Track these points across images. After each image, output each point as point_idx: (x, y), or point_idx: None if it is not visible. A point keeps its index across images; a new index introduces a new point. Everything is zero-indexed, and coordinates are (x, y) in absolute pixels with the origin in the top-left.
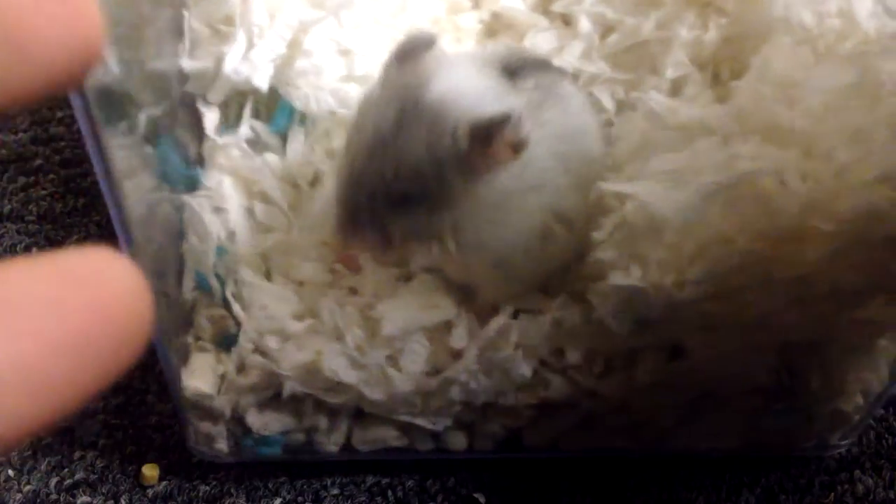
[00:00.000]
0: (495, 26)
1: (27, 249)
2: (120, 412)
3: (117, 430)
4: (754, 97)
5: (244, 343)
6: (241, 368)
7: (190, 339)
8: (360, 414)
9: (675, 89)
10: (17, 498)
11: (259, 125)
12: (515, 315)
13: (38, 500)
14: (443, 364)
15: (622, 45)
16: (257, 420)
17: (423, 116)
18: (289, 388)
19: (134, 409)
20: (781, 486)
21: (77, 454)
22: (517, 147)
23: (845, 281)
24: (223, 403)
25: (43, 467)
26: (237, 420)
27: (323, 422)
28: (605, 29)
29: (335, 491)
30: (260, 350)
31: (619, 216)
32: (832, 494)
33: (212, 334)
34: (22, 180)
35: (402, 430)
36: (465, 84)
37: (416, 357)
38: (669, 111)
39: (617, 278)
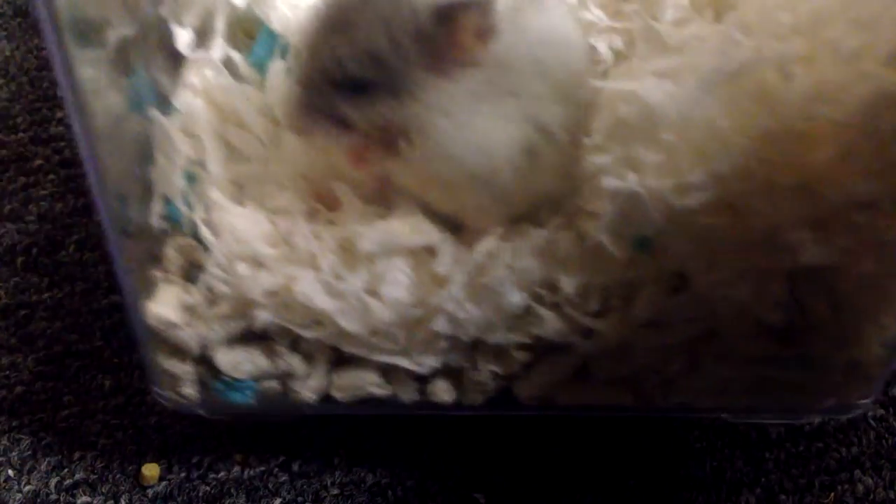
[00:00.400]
0: None
1: (27, 249)
2: (120, 412)
3: (117, 430)
4: (757, 8)
5: (213, 269)
6: (211, 299)
7: (157, 274)
8: (340, 360)
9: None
10: (17, 498)
11: (237, 56)
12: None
13: (38, 500)
14: (427, 295)
15: None
16: (227, 358)
17: None
18: (260, 318)
19: (134, 409)
20: (781, 486)
21: (77, 454)
22: (484, 34)
23: (856, 189)
24: (190, 335)
25: (43, 467)
26: (206, 361)
27: (299, 365)
28: None
29: (335, 491)
30: (230, 276)
31: (613, 117)
32: (832, 494)
33: (180, 266)
34: (22, 180)
35: (384, 375)
36: None
37: (398, 285)
38: (669, 33)
39: (611, 183)
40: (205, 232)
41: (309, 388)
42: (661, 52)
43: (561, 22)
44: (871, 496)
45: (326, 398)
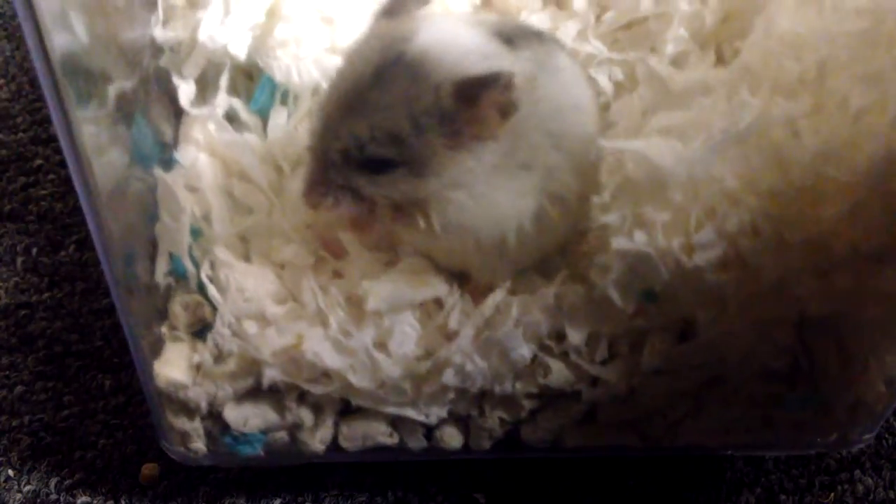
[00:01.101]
0: (487, 8)
1: (27, 249)
2: (120, 412)
3: (117, 430)
4: (761, 54)
5: (221, 328)
6: (218, 357)
7: (164, 330)
8: (347, 410)
9: (676, 66)
10: (17, 498)
11: (238, 103)
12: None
13: (38, 500)
14: (435, 347)
15: (619, 23)
16: (235, 414)
17: (405, 71)
18: (269, 376)
19: (134, 409)
20: (781, 486)
21: (77, 454)
22: (506, 110)
23: (864, 244)
24: (198, 394)
25: (43, 467)
26: (214, 416)
27: (307, 417)
28: (601, 8)
29: (335, 491)
30: (238, 335)
31: (621, 176)
32: (832, 494)
33: (187, 323)
34: (22, 180)
35: (393, 425)
36: (452, 40)
37: (406, 339)
38: (671, 77)
39: (620, 242)
40: (212, 291)
41: (317, 438)
42: (664, 96)
43: (574, 87)
44: (871, 496)
45: (335, 447)
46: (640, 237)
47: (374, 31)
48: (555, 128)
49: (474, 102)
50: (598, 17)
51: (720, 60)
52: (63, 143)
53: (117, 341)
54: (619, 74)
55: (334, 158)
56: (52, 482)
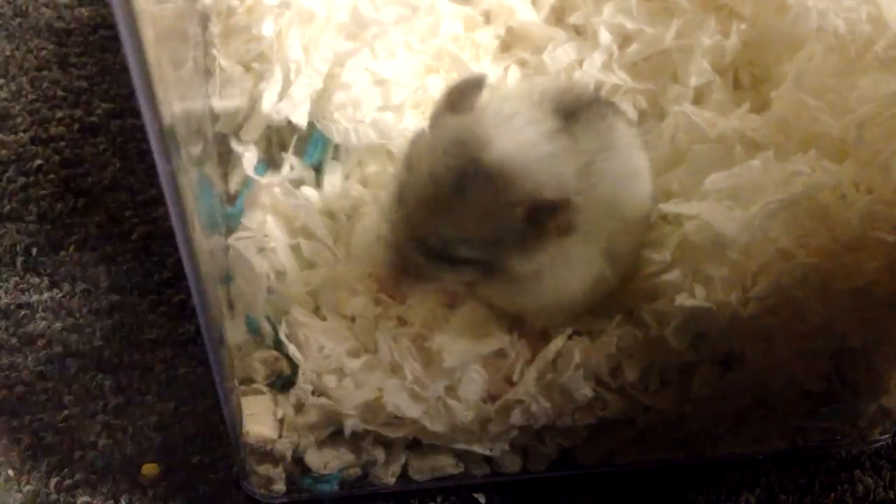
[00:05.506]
0: (510, 41)
1: (27, 249)
2: (120, 412)
3: (117, 430)
4: (795, 107)
5: (303, 385)
6: (299, 408)
7: (237, 383)
8: (417, 444)
9: (699, 97)
10: (17, 498)
11: (293, 158)
12: (570, 336)
13: (38, 500)
14: (499, 390)
15: (642, 55)
16: (317, 459)
17: (485, 185)
18: (350, 425)
19: (134, 409)
20: (781, 486)
21: (77, 454)
22: (564, 231)
23: None
24: (285, 446)
25: (43, 467)
26: (296, 460)
27: (381, 455)
28: (624, 39)
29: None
30: (319, 390)
31: (680, 235)
32: (832, 494)
33: (265, 376)
34: (22, 180)
35: (459, 457)
36: (523, 147)
37: (474, 385)
38: (708, 124)
39: (683, 299)
40: (292, 350)
41: (389, 472)
42: (701, 141)
43: (631, 156)
44: (871, 496)
45: (404, 478)
46: (700, 292)
47: (442, 127)
48: (614, 195)
49: (542, 224)
50: (621, 48)
51: (738, 86)
52: (171, 204)
53: (117, 341)
54: (643, 103)
55: (418, 256)
56: (52, 482)
